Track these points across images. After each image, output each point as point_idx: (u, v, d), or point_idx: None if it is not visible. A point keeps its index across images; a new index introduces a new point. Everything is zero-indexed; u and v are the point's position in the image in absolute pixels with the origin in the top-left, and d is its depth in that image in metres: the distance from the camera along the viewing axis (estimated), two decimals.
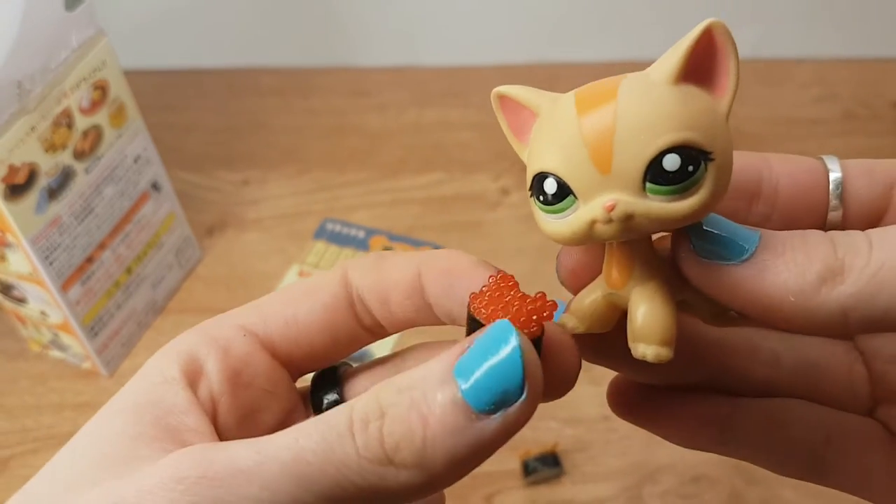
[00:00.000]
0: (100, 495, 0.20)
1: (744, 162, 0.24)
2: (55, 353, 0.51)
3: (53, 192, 0.43)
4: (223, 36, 0.72)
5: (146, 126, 0.49)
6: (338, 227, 0.58)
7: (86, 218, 0.46)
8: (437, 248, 0.56)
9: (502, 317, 0.19)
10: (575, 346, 0.21)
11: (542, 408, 0.48)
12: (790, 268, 0.18)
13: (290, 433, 0.18)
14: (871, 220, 0.22)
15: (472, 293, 0.20)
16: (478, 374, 0.17)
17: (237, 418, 0.22)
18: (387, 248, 0.56)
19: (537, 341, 0.19)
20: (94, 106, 0.44)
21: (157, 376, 0.23)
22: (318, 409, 0.24)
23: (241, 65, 0.72)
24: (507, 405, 0.17)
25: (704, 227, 0.19)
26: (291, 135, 0.66)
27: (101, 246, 0.47)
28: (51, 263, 0.44)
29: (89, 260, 0.46)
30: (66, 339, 0.49)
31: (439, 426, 0.17)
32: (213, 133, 0.67)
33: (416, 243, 0.57)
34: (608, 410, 0.46)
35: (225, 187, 0.62)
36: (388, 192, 0.61)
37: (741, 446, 0.25)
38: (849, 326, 0.18)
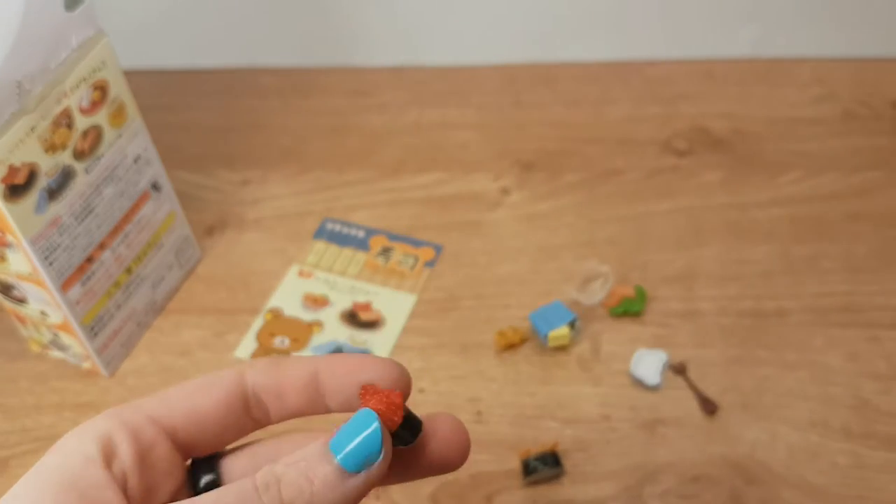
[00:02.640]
0: None
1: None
2: (55, 353, 0.51)
3: (53, 193, 0.43)
4: (223, 36, 0.72)
5: (146, 126, 0.49)
6: (338, 227, 0.58)
7: (86, 218, 0.46)
8: (437, 247, 0.56)
9: (374, 406, 0.25)
10: (462, 427, 0.28)
11: (543, 407, 0.49)
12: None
13: (209, 498, 0.23)
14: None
15: (363, 388, 0.26)
16: (350, 446, 0.24)
17: (141, 494, 0.26)
18: (387, 248, 0.56)
19: (415, 424, 0.27)
20: (94, 106, 0.44)
21: (78, 455, 0.25)
22: (195, 487, 0.29)
23: (240, 65, 0.73)
24: (369, 466, 0.24)
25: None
26: (291, 135, 0.66)
27: (101, 246, 0.47)
28: (51, 263, 0.44)
29: (89, 260, 0.46)
30: (66, 339, 0.49)
31: (321, 484, 0.24)
32: (213, 133, 0.67)
33: (416, 243, 0.57)
34: (608, 410, 0.46)
35: (225, 187, 0.62)
36: (388, 191, 0.61)
37: None
38: None
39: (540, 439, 0.45)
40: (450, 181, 0.61)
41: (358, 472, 0.24)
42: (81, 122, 0.44)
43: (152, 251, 0.52)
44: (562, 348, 0.49)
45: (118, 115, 0.46)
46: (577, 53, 0.70)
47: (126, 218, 0.49)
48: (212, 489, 0.26)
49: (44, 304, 0.46)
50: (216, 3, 0.69)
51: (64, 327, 0.47)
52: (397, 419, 0.26)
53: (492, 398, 0.48)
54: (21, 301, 0.47)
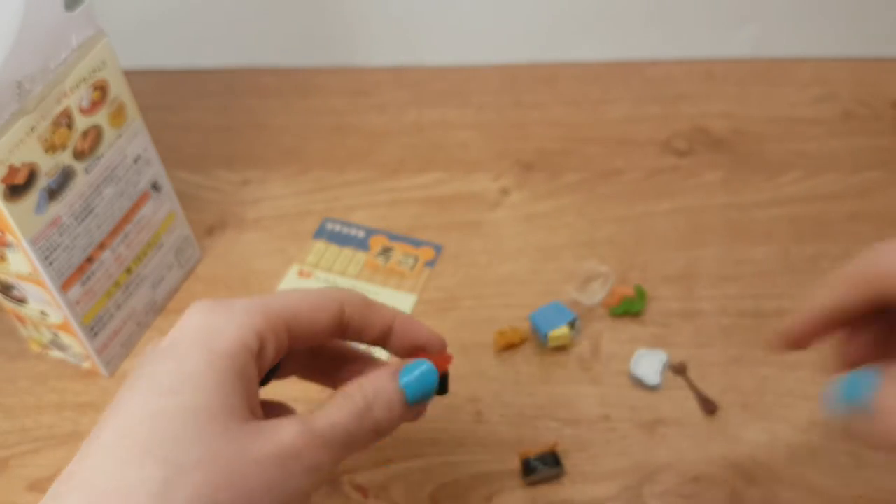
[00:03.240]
0: (228, 454, 0.28)
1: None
2: (55, 353, 0.51)
3: (53, 193, 0.43)
4: (223, 36, 0.72)
5: (146, 126, 0.49)
6: (338, 227, 0.58)
7: (86, 218, 0.46)
8: (437, 247, 0.56)
9: (436, 363, 0.35)
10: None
11: (542, 407, 0.48)
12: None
13: (339, 414, 0.31)
14: None
15: (423, 354, 0.36)
16: (419, 391, 0.33)
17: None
18: (387, 248, 0.56)
19: (447, 382, 0.36)
20: (94, 106, 0.44)
21: (245, 350, 0.31)
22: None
23: (240, 65, 0.73)
24: (422, 403, 0.34)
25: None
26: (291, 135, 0.66)
27: (101, 246, 0.47)
28: (51, 263, 0.44)
29: (89, 260, 0.47)
30: (66, 339, 0.49)
31: (396, 412, 0.33)
32: (212, 133, 0.67)
33: (416, 243, 0.57)
34: (608, 410, 0.46)
35: (225, 187, 0.62)
36: (388, 191, 0.61)
37: None
38: None
39: (540, 439, 0.45)
40: (450, 181, 0.61)
41: (414, 405, 0.33)
42: (81, 122, 0.44)
43: (152, 251, 0.52)
44: (562, 348, 0.49)
45: (118, 115, 0.46)
46: (577, 53, 0.70)
47: (126, 218, 0.49)
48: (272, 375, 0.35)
49: (44, 304, 0.46)
50: (216, 3, 0.69)
51: (64, 327, 0.47)
52: (441, 375, 0.35)
53: (492, 398, 0.48)
54: (21, 301, 0.47)
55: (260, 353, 0.31)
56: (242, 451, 0.28)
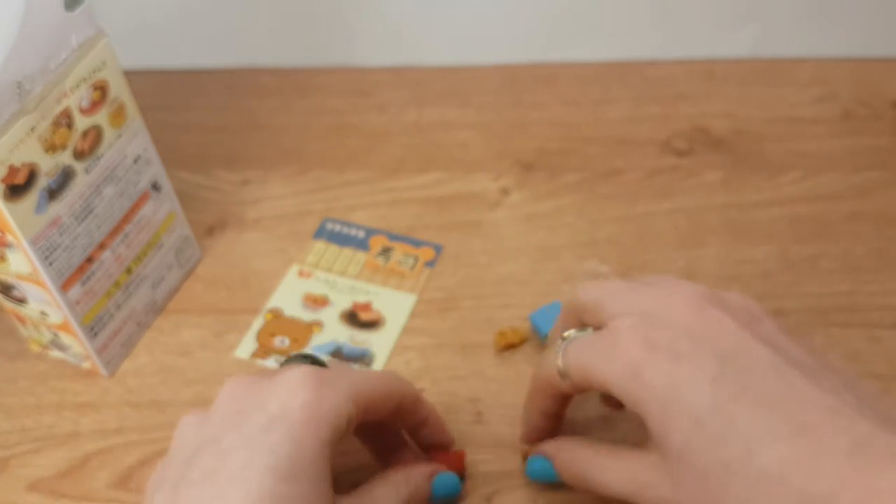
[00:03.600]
0: None
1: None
2: (55, 353, 0.51)
3: (53, 193, 0.43)
4: (223, 36, 0.72)
5: (146, 126, 0.49)
6: (338, 227, 0.58)
7: (86, 218, 0.46)
8: (437, 247, 0.56)
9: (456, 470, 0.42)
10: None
11: None
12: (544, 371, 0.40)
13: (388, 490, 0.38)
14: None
15: (441, 453, 0.43)
16: (442, 493, 0.40)
17: None
18: (387, 248, 0.56)
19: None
20: (94, 106, 0.44)
21: (336, 430, 0.34)
22: None
23: (240, 65, 0.73)
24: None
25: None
26: (291, 135, 0.66)
27: (101, 246, 0.47)
28: (51, 264, 0.44)
29: (89, 260, 0.46)
30: (66, 339, 0.49)
31: None
32: (212, 133, 0.67)
33: (417, 243, 0.57)
34: (608, 410, 0.46)
35: (225, 187, 0.62)
36: (388, 191, 0.61)
37: None
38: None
39: None
40: (450, 181, 0.61)
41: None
42: (81, 122, 0.44)
43: (152, 251, 0.52)
44: None
45: (118, 115, 0.46)
46: (577, 53, 0.70)
47: (126, 218, 0.49)
48: None
49: (44, 304, 0.46)
50: (216, 3, 0.69)
51: (64, 327, 0.47)
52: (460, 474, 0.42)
53: (492, 398, 0.48)
54: (21, 301, 0.47)
55: (343, 437, 0.34)
56: None
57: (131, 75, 0.47)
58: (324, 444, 0.32)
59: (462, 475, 0.43)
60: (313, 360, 0.42)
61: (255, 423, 0.32)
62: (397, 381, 0.38)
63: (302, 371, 0.34)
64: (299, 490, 0.31)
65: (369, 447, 0.42)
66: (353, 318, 0.52)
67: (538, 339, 0.50)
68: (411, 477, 0.38)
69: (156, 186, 0.50)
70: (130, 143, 0.48)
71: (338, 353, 0.50)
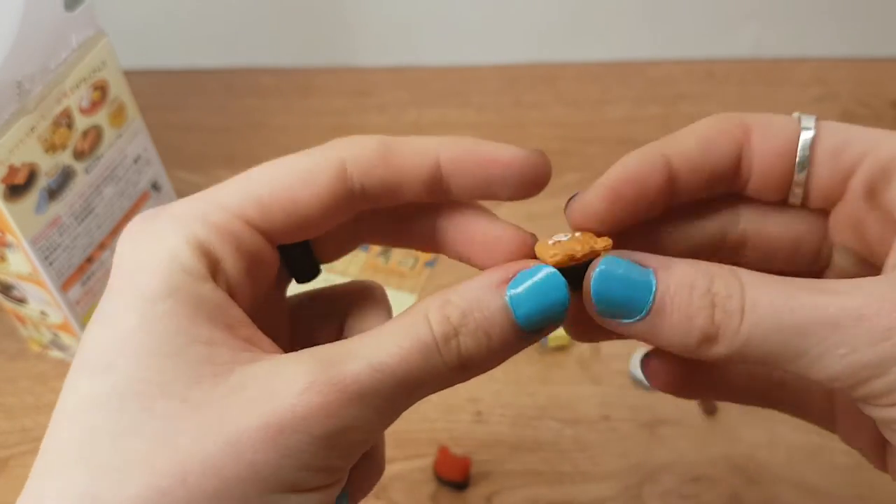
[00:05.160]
0: (234, 414, 0.20)
1: (725, 143, 0.25)
2: (55, 353, 0.51)
3: (53, 193, 0.43)
4: (223, 36, 0.72)
5: (146, 126, 0.49)
6: None
7: (86, 218, 0.46)
8: None
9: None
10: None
11: (543, 408, 0.48)
12: (675, 331, 0.22)
13: (390, 348, 0.21)
14: (828, 201, 0.25)
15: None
16: (536, 314, 0.22)
17: (249, 300, 0.24)
18: (387, 248, 0.56)
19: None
20: (94, 106, 0.44)
21: (179, 272, 0.22)
22: (290, 259, 0.26)
23: (240, 65, 0.73)
24: (545, 332, 0.23)
25: (601, 294, 0.23)
26: (291, 135, 0.66)
27: (102, 246, 0.47)
28: (51, 264, 0.44)
29: (89, 260, 0.46)
30: (66, 339, 0.49)
31: (499, 342, 0.22)
32: (212, 133, 0.67)
33: None
34: (608, 410, 0.46)
35: None
36: None
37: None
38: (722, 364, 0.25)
39: (540, 438, 0.45)
40: None
41: (536, 332, 0.23)
42: (81, 122, 0.44)
43: None
44: (562, 348, 0.49)
45: (118, 115, 0.46)
46: (577, 53, 0.70)
47: (126, 218, 0.49)
48: (301, 259, 0.26)
49: (44, 304, 0.46)
50: (216, 3, 0.69)
51: (64, 327, 0.47)
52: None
53: (492, 398, 0.48)
54: (21, 301, 0.47)
55: (214, 269, 0.22)
56: (207, 430, 0.20)
57: (131, 75, 0.47)
58: (149, 302, 0.21)
59: (466, 483, 0.43)
60: None
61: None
62: (327, 150, 0.24)
63: (132, 220, 0.23)
64: (116, 380, 0.20)
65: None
66: None
67: None
68: (454, 293, 0.22)
69: (156, 186, 0.50)
70: (130, 143, 0.48)
71: None
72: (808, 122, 0.24)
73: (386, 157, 0.24)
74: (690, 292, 0.22)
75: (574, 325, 0.26)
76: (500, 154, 0.26)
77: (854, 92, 0.66)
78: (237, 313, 0.22)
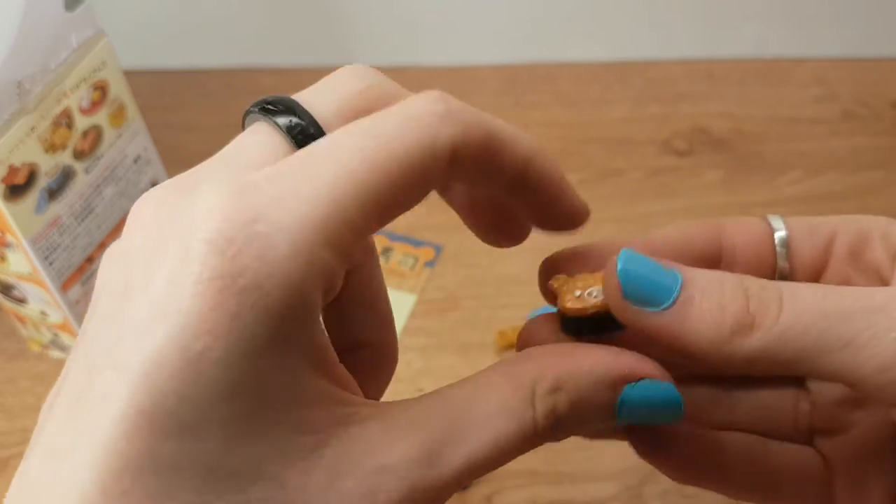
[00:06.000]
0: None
1: (704, 235, 0.26)
2: (55, 354, 0.51)
3: (53, 193, 0.43)
4: (223, 36, 0.72)
5: (146, 126, 0.49)
6: None
7: (86, 218, 0.46)
8: (437, 247, 0.56)
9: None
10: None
11: None
12: (706, 319, 0.21)
13: (492, 440, 0.20)
14: (814, 273, 0.25)
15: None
16: (637, 419, 0.23)
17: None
18: (387, 248, 0.56)
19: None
20: (94, 106, 0.44)
21: (304, 315, 0.18)
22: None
23: (240, 65, 0.72)
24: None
25: (629, 272, 0.21)
26: None
27: (102, 246, 0.47)
28: (51, 264, 0.44)
29: (89, 260, 0.46)
30: (66, 339, 0.49)
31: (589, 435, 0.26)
32: (212, 133, 0.67)
33: (417, 243, 0.57)
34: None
35: None
36: None
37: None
38: (754, 371, 0.23)
39: None
40: None
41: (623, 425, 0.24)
42: (81, 122, 0.44)
43: None
44: None
45: (118, 115, 0.46)
46: (577, 53, 0.70)
47: (126, 218, 0.49)
48: None
49: (44, 304, 0.46)
50: (216, 3, 0.69)
51: (64, 327, 0.47)
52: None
53: None
54: (21, 301, 0.47)
55: (326, 296, 0.19)
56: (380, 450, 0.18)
57: (131, 75, 0.47)
58: (259, 349, 0.17)
59: (467, 482, 0.42)
60: (292, 112, 0.22)
61: (130, 319, 0.17)
62: (427, 132, 0.20)
63: (220, 190, 0.18)
64: (190, 448, 0.16)
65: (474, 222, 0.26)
66: None
67: None
68: (569, 381, 0.21)
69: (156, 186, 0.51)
70: (130, 143, 0.48)
71: None
72: (776, 221, 0.26)
73: (490, 152, 0.21)
74: (721, 283, 0.21)
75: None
76: (573, 198, 0.26)
77: (854, 92, 0.66)
78: (333, 354, 0.20)
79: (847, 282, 0.24)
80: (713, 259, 0.25)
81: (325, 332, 0.19)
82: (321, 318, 0.19)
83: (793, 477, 0.27)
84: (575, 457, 0.45)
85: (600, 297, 0.23)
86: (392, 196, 0.19)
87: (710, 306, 0.21)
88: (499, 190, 0.23)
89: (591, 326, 0.23)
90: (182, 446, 0.16)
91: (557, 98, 0.68)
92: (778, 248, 0.25)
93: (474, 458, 0.19)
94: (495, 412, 0.20)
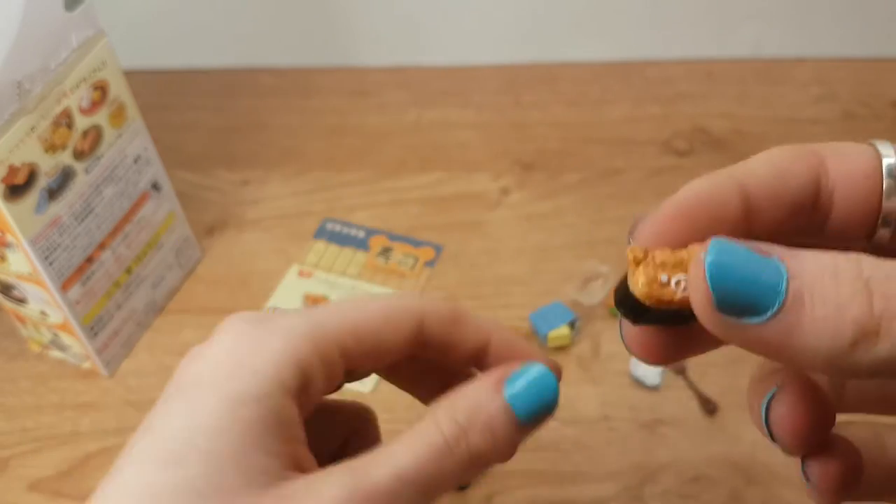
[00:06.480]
0: None
1: (802, 170, 0.22)
2: (55, 353, 0.51)
3: (53, 193, 0.43)
4: (223, 36, 0.72)
5: (146, 126, 0.49)
6: (338, 227, 0.58)
7: (86, 218, 0.46)
8: (437, 247, 0.56)
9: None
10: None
11: None
12: (820, 329, 0.17)
13: (406, 457, 0.23)
14: None
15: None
16: (531, 407, 0.25)
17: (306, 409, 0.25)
18: (387, 248, 0.56)
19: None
20: (94, 106, 0.44)
21: (280, 390, 0.23)
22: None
23: (240, 65, 0.72)
24: (540, 421, 0.25)
25: (721, 275, 0.18)
26: (291, 135, 0.66)
27: (101, 246, 0.47)
28: (51, 264, 0.44)
29: (89, 260, 0.46)
30: (66, 339, 0.49)
31: (502, 439, 0.24)
32: (212, 133, 0.67)
33: (417, 243, 0.57)
34: (608, 410, 0.46)
35: (225, 187, 0.62)
36: (388, 191, 0.61)
37: None
38: (874, 378, 0.18)
39: (539, 438, 0.45)
40: (450, 181, 0.61)
41: (527, 424, 0.25)
42: (81, 122, 0.44)
43: (152, 251, 0.52)
44: (562, 348, 0.49)
45: (118, 115, 0.46)
46: (577, 53, 0.70)
47: (126, 218, 0.49)
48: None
49: (44, 304, 0.46)
50: (216, 3, 0.69)
51: (64, 327, 0.47)
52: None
53: None
54: (21, 301, 0.47)
55: (303, 389, 0.24)
56: None
57: (131, 75, 0.47)
58: (239, 404, 0.22)
59: (467, 483, 0.42)
60: None
61: (163, 396, 0.24)
62: (406, 300, 0.26)
63: (234, 316, 0.25)
64: (182, 475, 0.21)
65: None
66: None
67: (538, 339, 0.50)
68: (459, 398, 0.24)
69: (156, 186, 0.50)
70: (130, 143, 0.48)
71: None
72: (886, 148, 0.21)
73: (457, 323, 0.27)
74: (835, 276, 0.17)
75: (646, 347, 0.25)
76: (533, 357, 0.27)
77: (854, 92, 0.66)
78: (300, 433, 0.24)
79: None
80: (808, 205, 0.22)
81: (299, 417, 0.24)
82: (295, 407, 0.24)
83: None
84: (575, 457, 0.45)
85: (687, 292, 0.19)
86: (351, 335, 0.25)
87: (826, 311, 0.17)
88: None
89: (662, 316, 0.20)
90: (170, 473, 0.22)
91: (557, 98, 0.68)
92: (885, 181, 0.21)
93: (397, 469, 0.22)
94: (406, 439, 0.23)
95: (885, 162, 0.21)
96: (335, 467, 0.23)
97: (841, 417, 0.25)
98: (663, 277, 0.20)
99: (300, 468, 0.23)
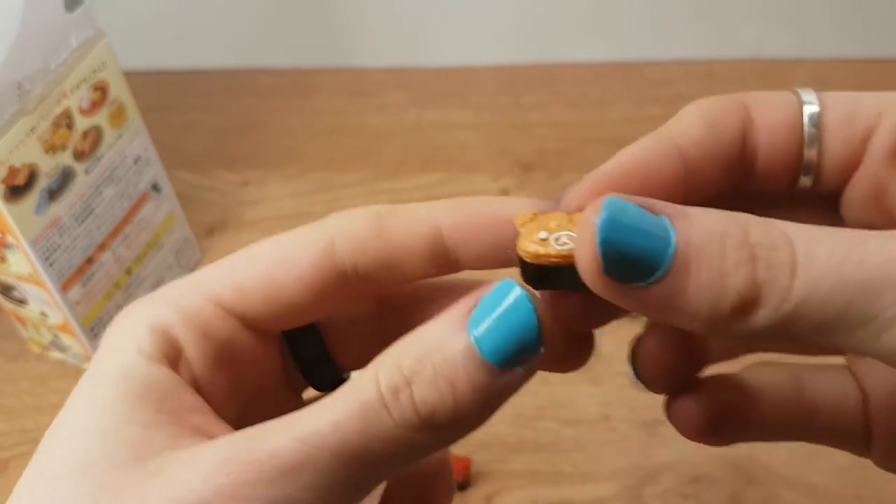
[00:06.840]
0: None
1: (733, 123, 0.21)
2: (55, 354, 0.51)
3: (53, 193, 0.43)
4: (222, 36, 0.72)
5: (146, 126, 0.49)
6: None
7: (86, 219, 0.46)
8: None
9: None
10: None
11: (543, 408, 0.48)
12: (703, 296, 0.17)
13: (323, 415, 0.18)
14: (845, 174, 0.22)
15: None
16: (499, 340, 0.18)
17: (224, 393, 0.22)
18: None
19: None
20: (94, 107, 0.44)
21: (135, 354, 0.21)
22: (299, 362, 0.24)
23: (240, 65, 0.73)
24: (527, 360, 0.18)
25: (611, 245, 0.17)
26: (291, 135, 0.66)
27: (102, 247, 0.47)
28: (51, 264, 0.44)
29: (89, 261, 0.47)
30: (66, 340, 0.49)
31: (470, 389, 0.18)
32: (212, 133, 0.67)
33: None
34: (608, 410, 0.46)
35: (225, 188, 0.62)
36: (388, 192, 0.61)
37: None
38: (753, 347, 0.18)
39: (540, 439, 0.45)
40: (450, 181, 0.61)
41: (513, 366, 0.18)
42: (81, 123, 0.44)
43: (152, 252, 0.52)
44: None
45: (118, 115, 0.46)
46: (577, 53, 0.70)
47: (126, 219, 0.49)
48: (316, 362, 0.22)
49: (44, 305, 0.46)
50: (216, 3, 0.69)
51: (64, 328, 0.47)
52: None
53: None
54: (21, 302, 0.47)
55: (178, 354, 0.21)
56: (174, 485, 0.18)
57: (131, 75, 0.47)
58: (103, 379, 0.21)
59: (466, 483, 0.42)
60: None
61: None
62: (299, 235, 0.23)
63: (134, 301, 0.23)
64: (57, 455, 0.21)
65: None
66: None
67: None
68: (407, 342, 0.19)
69: (156, 187, 0.50)
70: (130, 144, 0.48)
71: None
72: (809, 95, 0.21)
73: (379, 230, 0.21)
74: (722, 242, 0.17)
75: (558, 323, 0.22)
76: (509, 210, 0.21)
77: None
78: (193, 400, 0.21)
79: (880, 192, 0.21)
80: (737, 159, 0.22)
81: (185, 385, 0.21)
82: (173, 374, 0.21)
83: (829, 410, 0.24)
84: (575, 457, 0.45)
85: (570, 246, 0.18)
86: (255, 278, 0.23)
87: (709, 277, 0.17)
88: None
89: (557, 279, 0.19)
90: (39, 459, 0.21)
91: (557, 98, 0.68)
92: (807, 129, 0.21)
93: (304, 433, 0.18)
94: (330, 399, 0.18)
95: (807, 110, 0.21)
96: (221, 438, 0.19)
97: (761, 357, 0.26)
98: (542, 234, 0.19)
99: (207, 435, 0.20)
